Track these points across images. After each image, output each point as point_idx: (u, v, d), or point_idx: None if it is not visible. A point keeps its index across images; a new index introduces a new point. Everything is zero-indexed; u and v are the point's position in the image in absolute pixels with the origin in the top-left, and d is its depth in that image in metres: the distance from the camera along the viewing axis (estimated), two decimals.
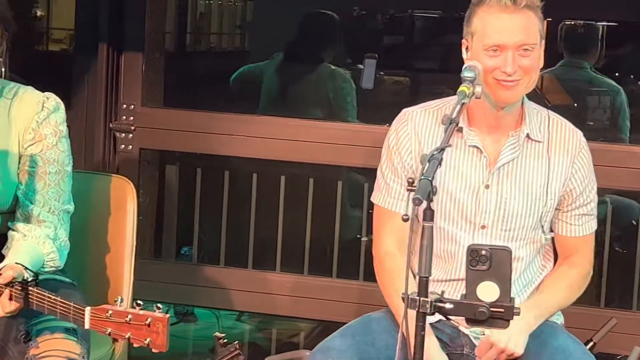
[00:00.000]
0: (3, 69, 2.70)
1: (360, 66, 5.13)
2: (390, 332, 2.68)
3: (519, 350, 2.62)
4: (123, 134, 4.04)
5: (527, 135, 2.74)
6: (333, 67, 4.98)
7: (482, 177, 2.73)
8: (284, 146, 3.93)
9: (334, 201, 4.10)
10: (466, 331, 2.75)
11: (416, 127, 2.77)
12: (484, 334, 2.69)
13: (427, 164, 2.22)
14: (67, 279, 2.83)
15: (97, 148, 4.03)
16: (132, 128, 4.03)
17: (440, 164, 2.24)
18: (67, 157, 2.77)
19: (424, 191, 2.12)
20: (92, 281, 3.04)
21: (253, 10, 7.01)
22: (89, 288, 2.97)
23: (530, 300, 2.77)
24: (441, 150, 2.27)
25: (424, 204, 2.18)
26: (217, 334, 2.90)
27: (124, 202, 3.07)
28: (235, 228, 4.18)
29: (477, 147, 2.73)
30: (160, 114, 4.05)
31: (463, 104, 2.43)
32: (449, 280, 2.76)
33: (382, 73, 5.84)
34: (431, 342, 2.64)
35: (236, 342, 2.86)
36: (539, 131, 2.75)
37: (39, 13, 5.23)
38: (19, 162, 2.73)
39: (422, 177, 2.16)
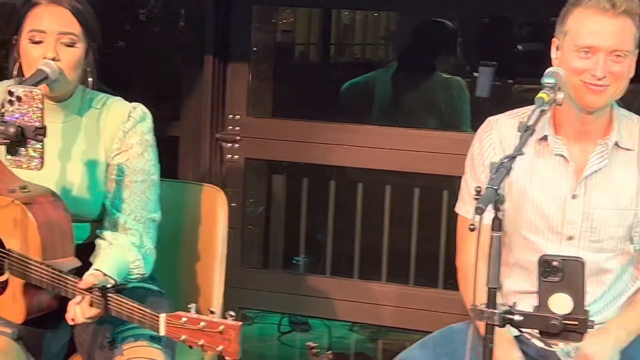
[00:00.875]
0: (91, 79, 2.76)
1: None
2: (472, 344, 2.63)
3: None
4: (229, 144, 4.09)
5: (616, 143, 2.65)
6: (446, 75, 4.92)
7: (568, 187, 2.65)
8: (390, 156, 3.91)
9: (439, 211, 4.06)
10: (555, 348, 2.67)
11: (501, 135, 2.71)
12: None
13: (495, 173, 2.16)
14: (155, 287, 2.87)
15: (204, 158, 4.08)
16: (238, 138, 4.07)
17: (509, 173, 2.18)
18: (153, 166, 2.81)
19: (487, 200, 2.07)
20: (183, 289, 3.08)
21: (397, 21, 7.01)
22: (180, 296, 3.00)
23: (622, 316, 2.67)
24: (511, 158, 2.21)
25: (494, 213, 2.13)
26: (310, 343, 2.89)
27: (215, 210, 3.09)
28: (341, 237, 4.18)
29: (563, 156, 2.65)
30: (265, 124, 4.08)
31: (542, 111, 2.36)
32: (534, 292, 2.68)
33: (511, 81, 5.75)
34: (514, 353, 2.59)
35: (329, 352, 2.84)
36: (629, 139, 2.66)
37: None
38: (106, 172, 2.79)
39: (488, 186, 2.11)
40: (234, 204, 4.07)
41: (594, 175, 2.64)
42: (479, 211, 2.05)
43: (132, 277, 2.74)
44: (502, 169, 2.17)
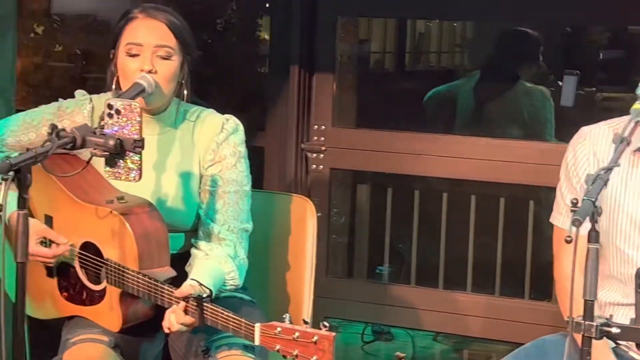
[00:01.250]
0: (186, 92, 2.81)
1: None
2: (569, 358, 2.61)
3: None
4: (314, 154, 4.12)
5: None
6: (529, 84, 4.90)
7: None
8: (475, 165, 3.91)
9: (525, 221, 4.05)
10: None
11: (594, 146, 2.69)
12: None
13: (592, 185, 2.15)
14: (247, 297, 2.90)
15: (290, 168, 4.12)
16: (323, 148, 4.10)
17: (606, 184, 2.17)
18: (245, 177, 2.85)
19: (584, 213, 2.06)
20: (273, 299, 3.11)
21: (474, 29, 7.00)
22: (270, 305, 3.04)
23: None
24: (608, 170, 2.20)
25: (591, 225, 2.12)
26: (399, 353, 2.91)
27: (304, 220, 3.12)
28: (425, 247, 4.19)
29: None
30: (350, 134, 4.10)
31: (637, 122, 2.35)
32: (629, 304, 2.66)
33: (593, 89, 5.71)
34: None
35: None
36: None
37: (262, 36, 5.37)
38: (200, 183, 2.83)
39: (585, 198, 2.10)
40: (319, 214, 4.10)
41: None
42: (577, 223, 2.04)
43: (227, 287, 2.78)
44: (598, 180, 2.16)
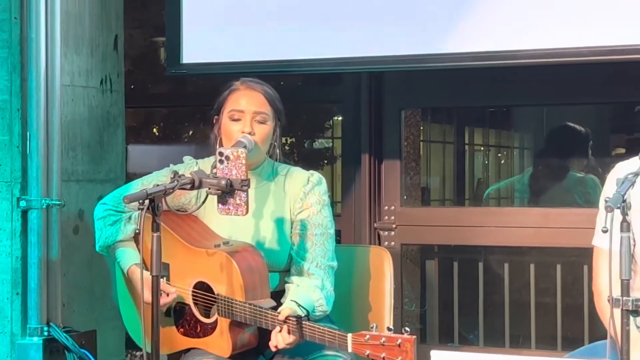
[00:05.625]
0: (278, 152, 3.34)
1: None
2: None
3: None
4: (386, 232, 4.60)
5: None
6: (580, 174, 5.31)
7: None
8: (531, 233, 4.34)
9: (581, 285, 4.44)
10: None
11: (625, 172, 3.04)
12: None
13: (621, 185, 2.61)
14: (336, 327, 3.34)
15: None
16: (394, 226, 4.58)
17: (633, 185, 2.62)
18: (330, 222, 3.35)
19: (615, 201, 2.52)
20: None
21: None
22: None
23: None
24: (636, 174, 2.65)
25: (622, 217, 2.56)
26: None
27: (382, 267, 3.59)
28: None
29: None
30: (416, 212, 4.59)
31: None
32: None
33: None
34: None
35: None
36: None
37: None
38: (292, 227, 3.33)
39: (615, 192, 2.56)
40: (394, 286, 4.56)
41: None
42: (609, 209, 2.50)
43: (317, 314, 3.24)
44: (627, 182, 2.62)
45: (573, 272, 4.53)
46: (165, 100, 5.54)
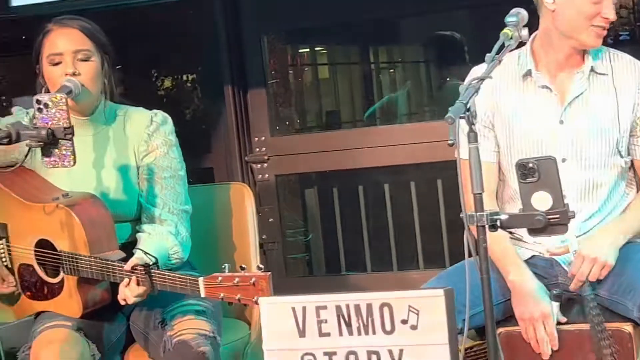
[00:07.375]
0: (114, 89, 3.09)
1: None
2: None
3: (611, 261, 2.78)
4: (258, 165, 4.39)
5: (592, 69, 2.90)
6: (460, 82, 5.15)
7: (555, 114, 2.90)
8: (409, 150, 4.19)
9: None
10: (558, 259, 2.90)
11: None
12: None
13: (465, 92, 2.43)
14: (196, 273, 3.14)
15: (237, 181, 4.38)
16: (266, 157, 4.37)
17: (477, 92, 2.44)
18: (179, 163, 3.12)
19: (456, 111, 2.33)
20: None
21: None
22: None
23: (617, 217, 2.91)
24: (480, 80, 2.47)
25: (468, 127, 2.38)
26: None
27: (243, 204, 3.39)
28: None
29: (547, 87, 2.91)
30: (288, 141, 4.38)
31: (505, 45, 2.61)
32: None
33: None
34: (525, 273, 2.83)
35: None
36: (602, 65, 2.91)
37: None
38: (138, 173, 3.10)
39: (457, 101, 2.38)
40: (271, 220, 4.37)
41: (577, 100, 2.90)
42: (450, 120, 2.32)
43: (172, 262, 3.03)
44: (470, 89, 2.44)
45: (456, 186, 4.37)
46: None
